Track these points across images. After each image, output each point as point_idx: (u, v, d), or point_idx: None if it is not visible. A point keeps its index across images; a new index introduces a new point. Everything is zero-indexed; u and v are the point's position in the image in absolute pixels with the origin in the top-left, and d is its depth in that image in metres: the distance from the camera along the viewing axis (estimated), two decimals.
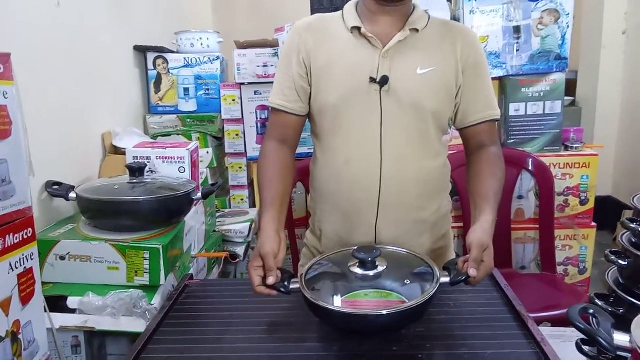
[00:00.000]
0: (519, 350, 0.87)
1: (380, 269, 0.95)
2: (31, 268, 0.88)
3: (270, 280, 0.95)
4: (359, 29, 1.12)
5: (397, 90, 1.10)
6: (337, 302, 0.90)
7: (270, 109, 1.21)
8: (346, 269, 0.97)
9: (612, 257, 0.90)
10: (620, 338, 0.67)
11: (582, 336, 0.89)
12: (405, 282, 0.94)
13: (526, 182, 2.00)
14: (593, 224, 2.04)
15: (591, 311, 0.70)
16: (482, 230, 1.00)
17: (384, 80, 1.09)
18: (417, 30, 1.12)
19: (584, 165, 1.99)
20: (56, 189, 1.30)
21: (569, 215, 2.03)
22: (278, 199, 1.10)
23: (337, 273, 1.00)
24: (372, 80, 1.10)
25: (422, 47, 1.13)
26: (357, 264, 0.96)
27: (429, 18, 1.16)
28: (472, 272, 0.92)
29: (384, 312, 0.86)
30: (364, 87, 1.11)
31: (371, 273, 0.95)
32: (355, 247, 0.98)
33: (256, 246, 1.03)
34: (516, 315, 0.98)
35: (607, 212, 2.98)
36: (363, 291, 0.91)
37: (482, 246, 0.96)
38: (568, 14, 1.94)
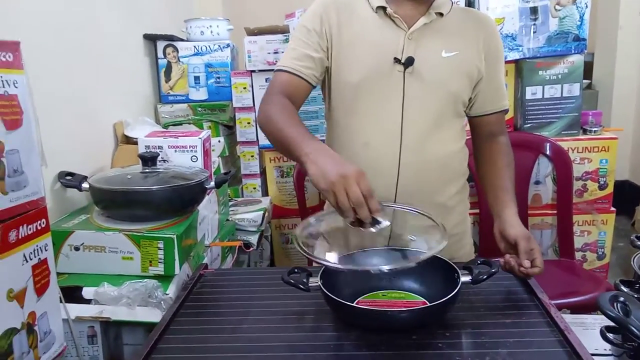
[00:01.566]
0: (541, 338, 0.85)
1: (383, 225, 0.86)
2: (45, 259, 0.87)
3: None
4: (384, 8, 1.11)
5: (421, 72, 1.09)
6: (355, 302, 0.90)
7: (276, 72, 1.13)
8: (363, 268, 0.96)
9: (639, 242, 0.88)
10: None
11: (606, 323, 0.87)
12: (424, 282, 0.94)
13: (543, 167, 1.96)
14: (612, 209, 2.00)
15: (622, 299, 0.67)
16: (517, 223, 1.07)
17: (409, 62, 1.08)
18: (441, 15, 1.12)
19: (603, 149, 1.95)
20: (69, 180, 1.30)
21: (588, 200, 1.99)
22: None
23: (357, 273, 1.00)
24: (397, 61, 1.08)
25: (447, 31, 1.12)
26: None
27: (452, 4, 1.16)
28: (527, 263, 1.00)
29: (404, 309, 0.86)
30: (387, 67, 1.09)
31: (374, 229, 0.86)
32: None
33: (335, 167, 0.85)
34: (537, 303, 0.96)
35: (624, 197, 2.92)
36: (381, 292, 0.91)
37: (527, 237, 1.02)
38: None
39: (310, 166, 0.88)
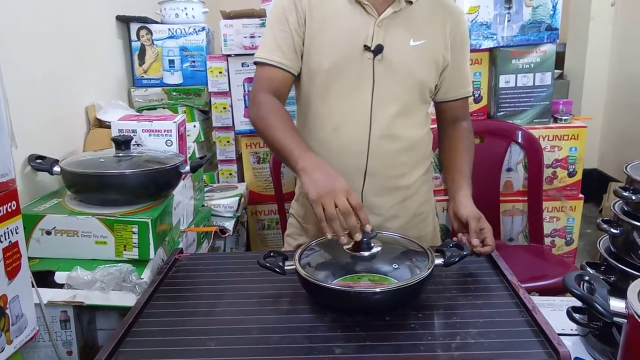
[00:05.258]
0: (510, 318, 0.88)
1: (374, 250, 0.96)
2: (16, 242, 0.86)
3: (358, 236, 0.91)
4: None
5: (390, 60, 1.11)
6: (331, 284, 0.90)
7: (258, 65, 1.15)
8: (340, 252, 0.97)
9: (604, 226, 0.91)
10: (616, 304, 0.67)
11: (573, 304, 0.90)
12: (398, 265, 0.95)
13: (515, 155, 2.00)
14: (580, 195, 2.05)
15: (587, 278, 0.70)
16: (470, 203, 1.11)
17: (379, 49, 1.09)
18: (410, 3, 1.12)
19: (573, 137, 2.00)
20: (40, 163, 1.27)
21: (557, 187, 2.04)
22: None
23: (331, 256, 1.00)
24: (366, 48, 1.09)
25: (415, 20, 1.14)
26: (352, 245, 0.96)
27: None
28: (476, 241, 1.03)
29: (378, 290, 0.87)
30: (357, 54, 1.10)
31: (366, 254, 0.95)
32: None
33: (322, 184, 0.93)
34: (507, 285, 0.99)
35: (593, 185, 3.01)
36: (356, 275, 0.92)
37: (477, 217, 1.06)
38: None
39: (305, 178, 0.95)
